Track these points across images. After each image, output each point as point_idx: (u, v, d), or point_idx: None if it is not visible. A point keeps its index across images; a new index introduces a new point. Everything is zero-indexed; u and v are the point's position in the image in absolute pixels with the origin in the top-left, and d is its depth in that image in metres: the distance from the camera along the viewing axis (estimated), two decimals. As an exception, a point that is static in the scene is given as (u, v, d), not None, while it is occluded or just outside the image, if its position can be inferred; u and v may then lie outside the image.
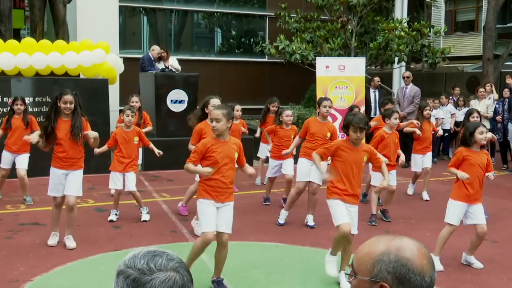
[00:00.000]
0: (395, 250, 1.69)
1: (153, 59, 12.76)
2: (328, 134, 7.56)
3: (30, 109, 9.50)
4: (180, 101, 12.11)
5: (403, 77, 13.64)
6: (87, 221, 7.56)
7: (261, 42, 16.77)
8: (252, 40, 18.95)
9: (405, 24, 15.24)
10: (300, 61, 14.78)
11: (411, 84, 13.27)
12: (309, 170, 7.47)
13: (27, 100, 9.06)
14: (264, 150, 10.24)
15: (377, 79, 13.79)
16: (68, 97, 6.26)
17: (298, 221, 7.83)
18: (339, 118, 12.06)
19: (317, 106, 8.06)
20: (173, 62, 12.92)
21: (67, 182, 6.45)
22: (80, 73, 11.67)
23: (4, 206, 8.44)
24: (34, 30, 13.18)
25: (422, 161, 9.41)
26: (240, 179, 9.91)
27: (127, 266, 1.55)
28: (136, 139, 7.82)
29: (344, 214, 5.45)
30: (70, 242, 6.55)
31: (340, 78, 13.14)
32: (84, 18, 14.35)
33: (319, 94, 13.22)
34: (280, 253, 6.50)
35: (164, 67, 12.61)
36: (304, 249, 6.67)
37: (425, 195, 9.43)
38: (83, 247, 6.52)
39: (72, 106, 6.30)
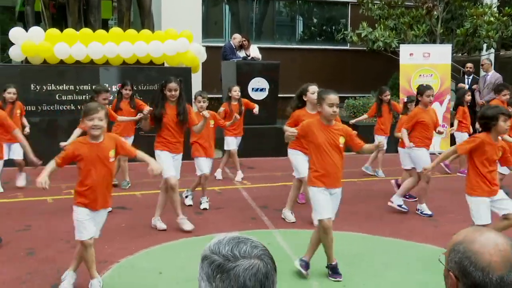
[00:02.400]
0: (467, 242, 1.66)
1: (234, 47, 12.88)
2: (435, 119, 7.73)
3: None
4: (261, 89, 12.18)
5: (481, 64, 13.20)
6: (170, 207, 7.72)
7: (343, 29, 16.51)
8: (333, 27, 18.70)
9: (495, 9, 14.60)
10: (383, 48, 14.47)
11: (492, 71, 12.80)
12: (429, 158, 7.41)
13: (114, 87, 9.37)
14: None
15: (469, 65, 13.38)
16: (173, 85, 6.51)
17: (378, 212, 7.76)
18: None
19: (418, 95, 7.66)
20: (254, 51, 12.98)
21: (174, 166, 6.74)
22: (164, 62, 11.95)
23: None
24: (121, 20, 13.56)
25: None
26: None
27: (212, 252, 1.58)
28: (212, 122, 7.89)
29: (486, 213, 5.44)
30: (161, 224, 6.83)
31: (425, 66, 12.81)
32: (168, 8, 14.63)
33: (402, 83, 12.94)
34: (361, 243, 6.44)
35: (245, 55, 12.70)
36: (384, 239, 6.58)
37: None
38: (167, 231, 6.71)
39: (177, 93, 6.54)
